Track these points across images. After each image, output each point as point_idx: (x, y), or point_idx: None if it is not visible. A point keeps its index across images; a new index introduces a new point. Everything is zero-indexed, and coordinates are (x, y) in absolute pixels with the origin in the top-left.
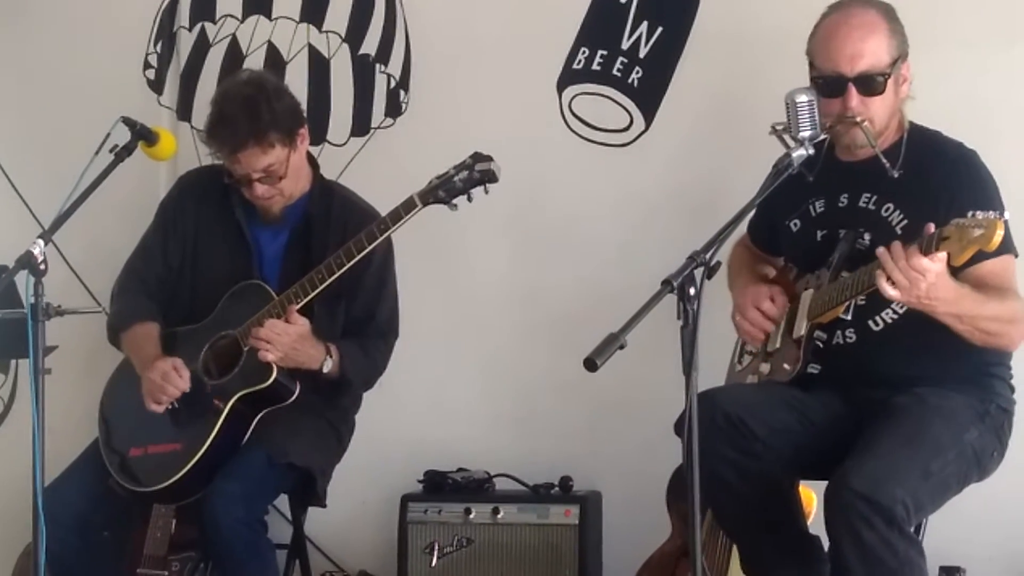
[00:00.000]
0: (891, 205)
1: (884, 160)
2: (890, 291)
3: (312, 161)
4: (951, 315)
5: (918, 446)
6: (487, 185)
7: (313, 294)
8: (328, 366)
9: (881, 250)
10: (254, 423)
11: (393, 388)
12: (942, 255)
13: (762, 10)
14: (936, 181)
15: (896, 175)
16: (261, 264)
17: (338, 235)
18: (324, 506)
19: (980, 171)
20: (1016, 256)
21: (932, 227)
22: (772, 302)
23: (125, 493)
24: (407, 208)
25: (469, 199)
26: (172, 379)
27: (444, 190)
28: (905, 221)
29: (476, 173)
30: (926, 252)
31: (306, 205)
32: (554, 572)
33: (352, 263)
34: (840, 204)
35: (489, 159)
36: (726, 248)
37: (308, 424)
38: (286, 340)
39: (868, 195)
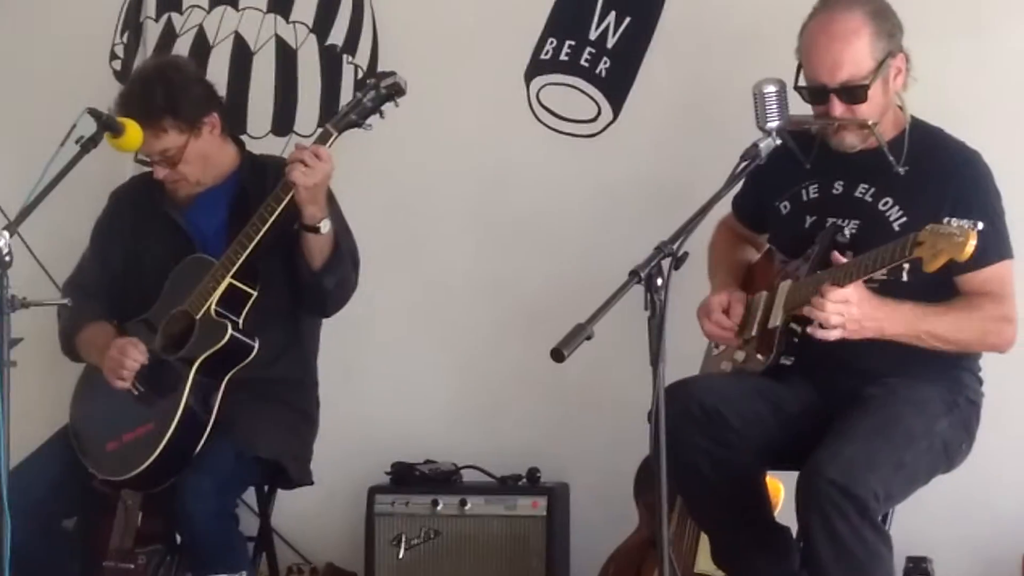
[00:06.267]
0: (890, 200)
1: (890, 156)
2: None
3: (237, 141)
4: (901, 335)
5: (891, 436)
6: (396, 99)
7: (257, 238)
8: (327, 226)
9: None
10: (221, 391)
11: (360, 380)
12: (851, 286)
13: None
14: (939, 182)
15: (902, 171)
16: (204, 247)
17: None
18: (311, 483)
19: (983, 176)
20: (1012, 258)
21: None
22: (726, 313)
23: (110, 488)
24: (324, 139)
25: (381, 116)
26: (130, 352)
27: (355, 114)
28: (904, 219)
29: (383, 89)
30: (901, 256)
31: (238, 180)
32: (521, 564)
33: (286, 201)
34: (834, 191)
35: (393, 74)
36: (694, 238)
37: (273, 414)
38: (325, 169)
39: (865, 186)
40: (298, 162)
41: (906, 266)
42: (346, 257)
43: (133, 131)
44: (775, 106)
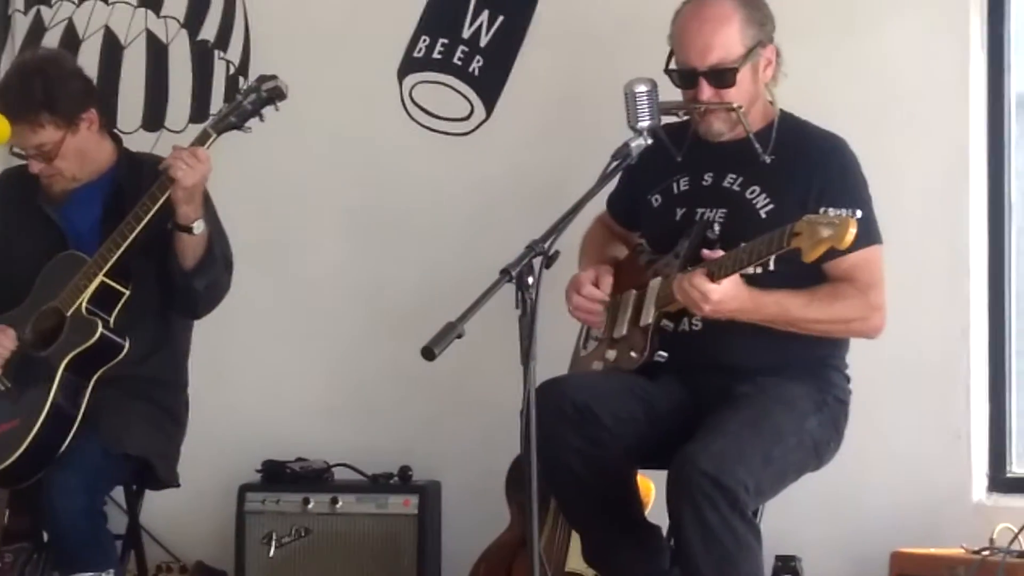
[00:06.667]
0: (757, 188)
1: (756, 144)
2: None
3: (115, 138)
4: (761, 321)
5: (760, 431)
6: (277, 102)
7: (131, 237)
8: (201, 227)
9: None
10: (89, 389)
11: (232, 377)
12: (726, 280)
13: None
14: (806, 170)
15: (768, 160)
16: (78, 244)
17: None
18: (178, 486)
19: (850, 163)
20: (881, 243)
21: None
22: (596, 285)
23: None
24: (202, 140)
25: (261, 119)
26: (0, 339)
27: (235, 116)
28: (771, 206)
29: (264, 93)
30: (778, 248)
31: (114, 177)
32: (392, 562)
33: (162, 200)
34: (704, 183)
35: (275, 78)
36: (565, 237)
37: (141, 412)
38: (203, 170)
39: (733, 176)
40: (178, 161)
41: None
42: (219, 259)
43: (1, 124)
44: (646, 106)
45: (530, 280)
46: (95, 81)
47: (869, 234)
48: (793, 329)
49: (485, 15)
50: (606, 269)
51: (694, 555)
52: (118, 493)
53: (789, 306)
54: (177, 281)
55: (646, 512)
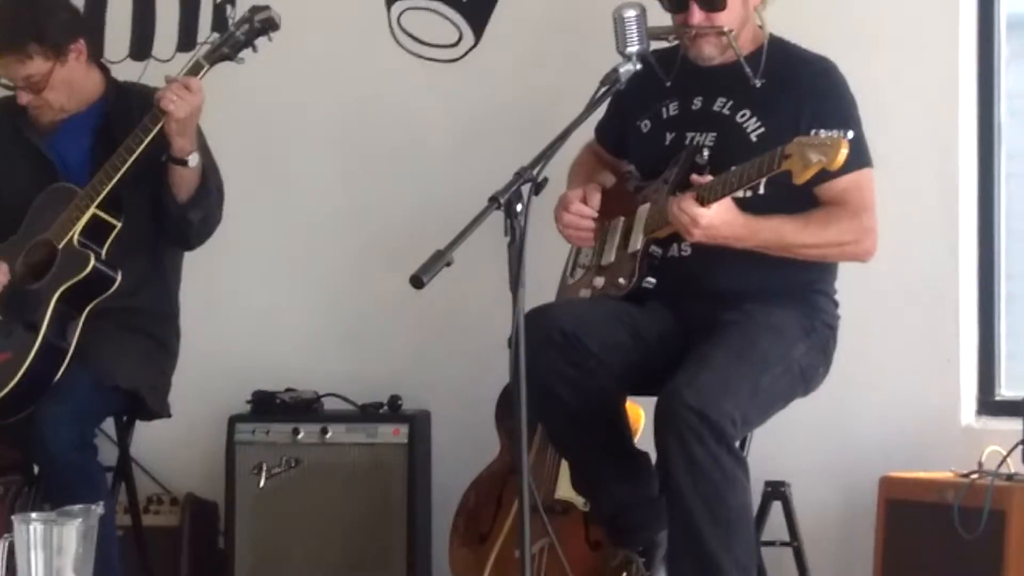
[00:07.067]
0: (747, 112)
1: (747, 68)
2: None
3: (103, 68)
4: (756, 247)
5: (747, 361)
6: (270, 33)
7: (123, 169)
8: (196, 160)
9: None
10: (80, 322)
11: (220, 308)
12: (716, 204)
13: None
14: (797, 93)
15: (758, 84)
16: (67, 175)
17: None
18: (169, 415)
19: (840, 85)
20: (872, 166)
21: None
22: (584, 202)
23: None
24: (195, 71)
25: (254, 50)
26: None
27: (228, 46)
28: (762, 129)
29: (257, 24)
30: (769, 170)
31: (103, 107)
32: (383, 491)
33: (155, 132)
34: (693, 107)
35: (267, 8)
36: (554, 164)
37: (133, 344)
38: (195, 101)
39: (723, 100)
40: (169, 92)
41: None
42: (213, 191)
43: None
44: (635, 30)
45: (519, 207)
46: (82, 11)
47: (860, 157)
48: (787, 254)
49: None
50: (594, 187)
51: (681, 488)
52: (108, 425)
53: (784, 232)
54: (172, 213)
55: (635, 439)
